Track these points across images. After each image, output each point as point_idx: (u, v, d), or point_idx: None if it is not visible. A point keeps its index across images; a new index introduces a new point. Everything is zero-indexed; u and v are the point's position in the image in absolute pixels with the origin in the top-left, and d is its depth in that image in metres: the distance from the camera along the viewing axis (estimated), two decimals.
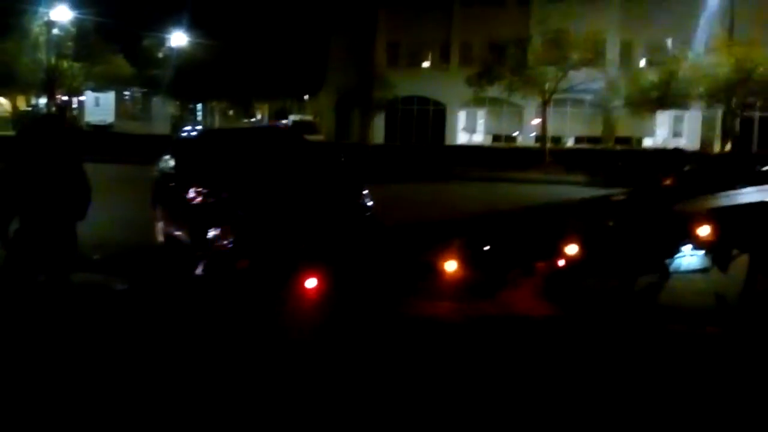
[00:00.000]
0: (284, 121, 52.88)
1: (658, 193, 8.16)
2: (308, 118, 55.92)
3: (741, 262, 7.79)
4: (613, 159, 27.16)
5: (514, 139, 43.00)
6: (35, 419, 4.38)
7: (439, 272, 7.98)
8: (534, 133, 40.51)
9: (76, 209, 5.46)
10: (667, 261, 8.21)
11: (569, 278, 8.09)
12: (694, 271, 8.28)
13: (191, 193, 8.68)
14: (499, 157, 32.80)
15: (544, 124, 35.19)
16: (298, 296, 7.26)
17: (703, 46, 34.26)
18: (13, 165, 5.43)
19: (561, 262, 8.04)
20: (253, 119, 71.17)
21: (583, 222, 8.67)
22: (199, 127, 12.08)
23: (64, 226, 5.43)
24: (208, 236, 8.34)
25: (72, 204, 5.43)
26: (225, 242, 8.30)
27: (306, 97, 72.32)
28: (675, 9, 37.21)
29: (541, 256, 8.09)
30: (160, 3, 47.06)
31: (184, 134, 11.05)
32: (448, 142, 42.85)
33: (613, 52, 38.82)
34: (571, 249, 8.09)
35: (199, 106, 58.79)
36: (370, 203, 9.44)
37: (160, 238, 9.75)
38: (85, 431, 4.33)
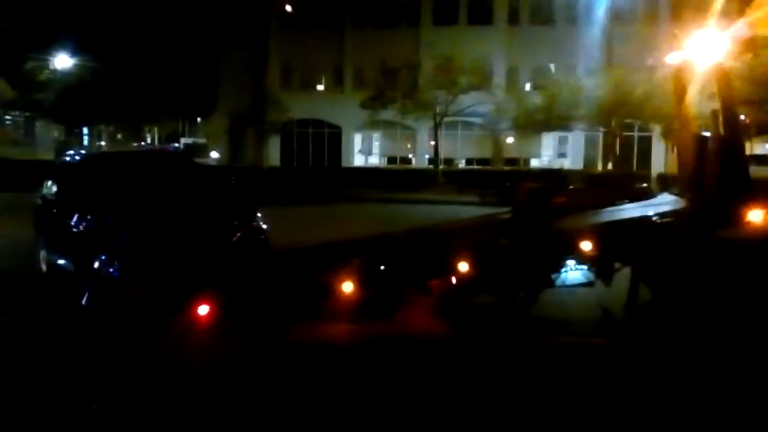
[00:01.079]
0: (175, 144, 51.76)
1: (543, 211, 8.46)
2: (201, 140, 54.95)
3: (624, 275, 8.17)
4: (503, 179, 27.96)
5: (408, 161, 43.65)
6: None
7: (335, 293, 7.97)
8: (427, 155, 41.27)
9: None
10: (553, 275, 8.52)
11: (461, 295, 8.26)
12: (579, 285, 8.61)
13: (75, 219, 8.34)
14: (394, 179, 33.24)
15: (436, 146, 35.97)
16: (190, 323, 7.08)
17: (584, 71, 35.97)
18: None
19: (453, 280, 8.20)
20: (142, 143, 69.27)
21: (474, 240, 8.87)
22: (83, 151, 11.65)
23: None
24: (93, 264, 8.00)
25: None
26: (111, 270, 7.98)
27: (198, 119, 71.05)
28: (558, 35, 38.95)
29: (435, 274, 8.23)
30: (42, 24, 45.27)
31: (68, 158, 10.61)
32: (344, 164, 43.01)
33: (500, 77, 40.10)
34: (463, 266, 8.28)
35: (86, 129, 56.70)
36: (263, 226, 9.32)
37: (44, 266, 9.31)
38: None
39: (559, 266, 8.56)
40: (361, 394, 5.44)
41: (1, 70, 43.63)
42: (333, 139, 44.45)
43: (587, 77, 34.62)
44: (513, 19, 41.59)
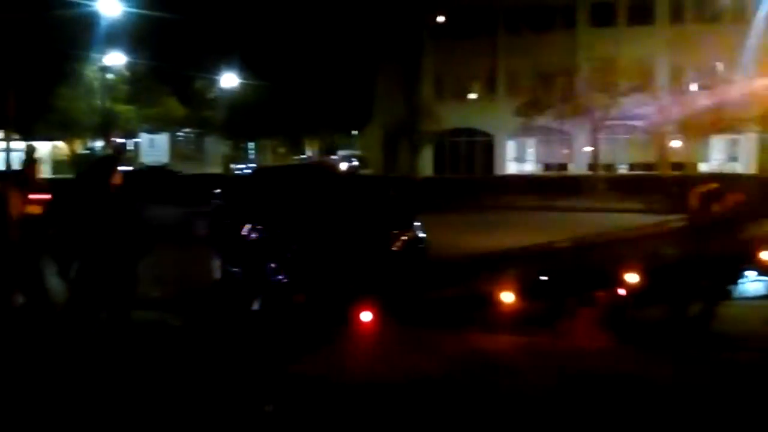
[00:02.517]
0: (333, 157, 53.42)
1: (719, 217, 7.95)
2: (356, 152, 56.42)
3: None
4: (669, 185, 26.63)
5: (565, 167, 42.61)
6: None
7: (494, 303, 7.89)
8: (585, 161, 40.11)
9: (135, 251, 5.55)
10: (730, 287, 8.00)
11: (629, 308, 7.92)
12: (759, 297, 8.04)
13: (246, 230, 8.78)
14: (551, 186, 32.46)
15: (595, 151, 34.77)
16: (355, 330, 7.25)
17: (755, 68, 33.62)
18: (75, 205, 5.57)
19: (621, 291, 7.88)
20: (302, 156, 72.07)
21: (643, 249, 8.49)
22: (252, 165, 12.19)
23: (124, 265, 5.53)
24: (263, 271, 8.39)
25: (130, 244, 5.53)
26: (280, 277, 8.34)
27: (353, 132, 73.06)
28: (724, 32, 36.66)
29: (601, 285, 7.94)
30: (209, 45, 48.26)
31: (238, 172, 11.22)
32: (497, 172, 42.64)
33: (663, 77, 38.29)
34: (631, 277, 7.93)
35: (251, 144, 59.76)
36: (421, 235, 9.40)
37: (217, 274, 9.86)
38: None
39: (737, 277, 8.04)
40: (524, 407, 5.33)
41: (173, 89, 46.80)
42: (486, 147, 44.20)
43: (759, 75, 32.33)
44: (676, 17, 39.64)
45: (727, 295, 7.95)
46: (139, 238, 5.55)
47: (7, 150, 32.69)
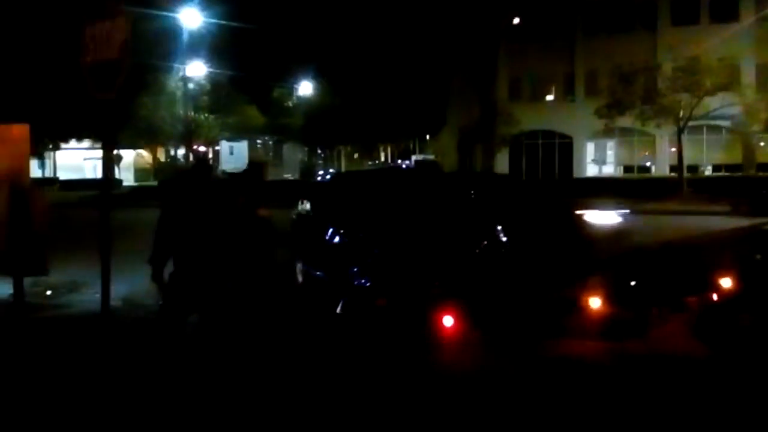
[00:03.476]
0: (407, 162, 53.47)
1: None
2: (431, 157, 56.33)
3: None
4: (757, 187, 25.58)
5: (647, 169, 41.49)
6: None
7: (583, 309, 7.70)
8: (669, 163, 38.98)
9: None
10: None
11: (723, 315, 7.60)
12: None
13: (328, 234, 8.84)
14: (632, 189, 31.60)
15: (679, 153, 33.68)
16: (437, 334, 7.20)
17: None
18: (166, 211, 5.69)
19: (714, 297, 7.58)
20: (376, 161, 72.44)
21: (736, 253, 8.15)
22: (332, 171, 12.22)
23: (217, 270, 5.62)
24: (345, 275, 8.43)
25: (227, 251, 5.61)
26: (362, 281, 8.35)
27: (428, 136, 73.02)
28: None
29: (693, 290, 7.66)
30: (287, 55, 49.12)
31: (319, 178, 11.32)
32: (576, 174, 41.87)
33: (749, 76, 36.88)
34: (725, 283, 7.63)
35: (326, 150, 60.47)
36: (504, 238, 9.26)
37: (300, 278, 9.96)
38: None
39: None
40: (611, 416, 5.16)
41: (251, 98, 47.76)
42: (564, 149, 43.49)
43: None
44: (761, 12, 38.13)
45: None
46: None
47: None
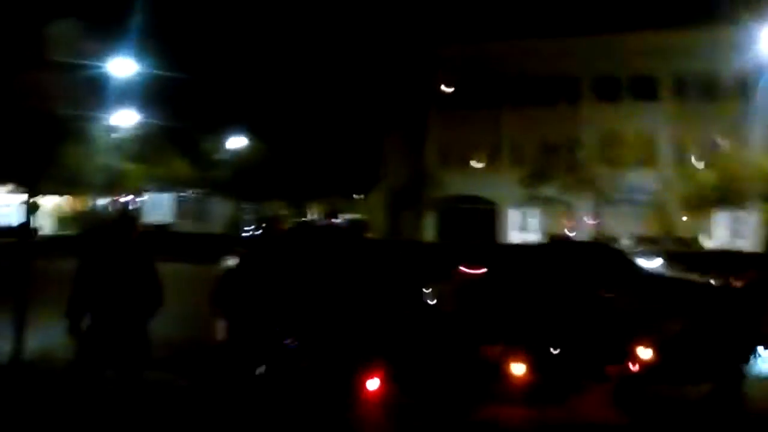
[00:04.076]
0: (336, 220, 53.58)
1: (737, 294, 7.87)
2: (359, 216, 56.59)
3: None
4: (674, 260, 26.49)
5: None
6: None
7: (505, 375, 7.75)
8: (589, 233, 40.11)
9: (148, 308, 5.49)
10: (746, 365, 7.84)
11: (641, 384, 7.77)
12: None
13: (254, 291, 8.68)
14: None
15: (600, 223, 34.81)
16: (361, 397, 7.11)
17: (759, 146, 33.94)
18: (86, 263, 5.52)
19: (633, 367, 7.75)
20: (305, 218, 72.26)
21: (656, 325, 8.38)
22: (262, 226, 12.05)
23: (134, 323, 5.45)
24: (270, 334, 8.27)
25: (143, 302, 5.47)
26: (288, 341, 8.21)
27: (355, 196, 73.42)
28: (728, 107, 37.17)
29: (613, 360, 7.82)
30: (218, 107, 48.99)
31: (246, 234, 11.19)
32: (500, 240, 42.63)
33: (666, 152, 38.63)
34: (644, 353, 7.81)
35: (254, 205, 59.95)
36: (429, 301, 9.32)
37: (223, 335, 9.72)
38: None
39: (749, 354, 7.88)
40: None
41: (181, 149, 47.24)
42: (489, 215, 44.31)
43: (764, 152, 32.60)
44: (679, 92, 40.28)
45: (740, 374, 7.79)
46: (150, 293, 5.49)
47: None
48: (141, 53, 35.44)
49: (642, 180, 34.15)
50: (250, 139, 50.46)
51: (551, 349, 7.88)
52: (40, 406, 5.71)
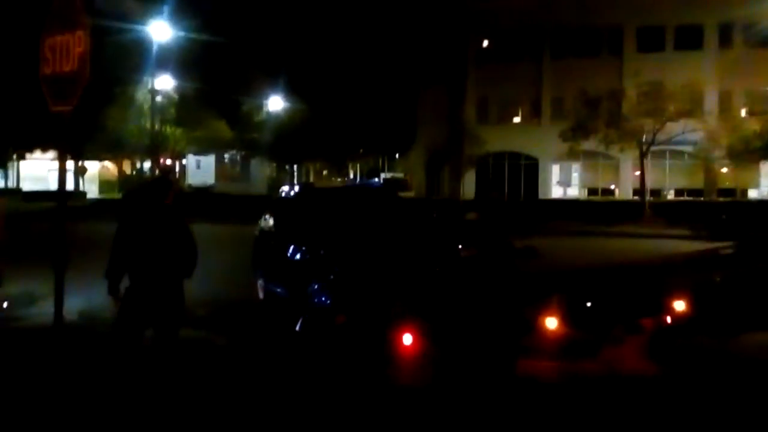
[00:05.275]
0: (376, 179, 53.63)
1: None
2: (399, 175, 56.59)
3: None
4: (717, 212, 26.10)
5: (611, 192, 42.09)
6: None
7: (538, 328, 7.79)
8: (632, 187, 39.60)
9: (184, 268, 5.64)
10: None
11: (676, 336, 7.75)
12: None
13: (290, 251, 8.85)
14: (596, 211, 32.02)
15: (642, 176, 34.27)
16: (396, 352, 7.22)
17: None
18: (125, 225, 5.67)
19: (668, 319, 7.72)
20: (346, 178, 72.48)
21: (692, 277, 8.31)
22: (297, 187, 12.02)
23: (172, 284, 5.60)
24: (306, 292, 8.43)
25: (179, 263, 5.61)
26: (323, 298, 8.37)
27: (396, 155, 73.32)
28: None
29: (647, 312, 7.79)
30: (257, 69, 49.10)
31: (283, 194, 11.31)
32: (541, 196, 42.31)
33: (711, 102, 37.72)
34: (679, 305, 7.78)
35: (295, 166, 60.35)
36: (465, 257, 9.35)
37: (261, 294, 9.94)
38: None
39: None
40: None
41: (220, 112, 47.57)
42: (530, 170, 43.95)
43: None
44: (725, 42, 39.15)
45: None
46: (186, 258, 5.62)
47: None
48: (181, 16, 35.65)
49: (686, 131, 33.38)
50: (290, 101, 50.57)
51: (585, 302, 7.87)
52: (82, 366, 5.93)
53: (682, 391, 6.31)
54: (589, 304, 7.86)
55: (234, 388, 6.16)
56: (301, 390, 6.10)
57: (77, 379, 5.92)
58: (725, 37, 39.26)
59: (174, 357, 5.63)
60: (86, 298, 9.18)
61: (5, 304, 9.87)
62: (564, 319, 7.69)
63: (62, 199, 6.64)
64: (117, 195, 46.81)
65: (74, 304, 8.93)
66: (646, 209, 32.26)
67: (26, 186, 50.49)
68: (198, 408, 5.59)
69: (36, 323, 8.66)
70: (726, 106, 38.20)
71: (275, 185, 44.47)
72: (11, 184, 54.81)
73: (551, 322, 7.69)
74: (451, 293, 8.58)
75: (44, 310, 9.05)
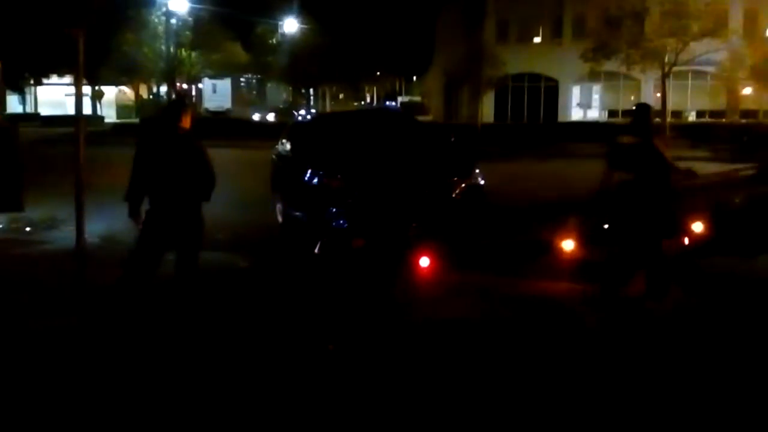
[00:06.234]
0: (393, 103, 53.12)
1: None
2: (417, 99, 55.96)
3: None
4: (739, 133, 25.71)
5: (631, 114, 41.42)
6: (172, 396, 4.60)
7: (556, 251, 7.84)
8: (653, 108, 38.96)
9: (202, 191, 5.67)
10: None
11: (695, 258, 7.75)
12: None
13: (307, 175, 8.86)
14: (617, 133, 31.54)
15: (663, 97, 33.68)
16: (413, 274, 7.31)
17: None
18: (142, 149, 5.69)
19: (686, 241, 7.71)
20: (362, 102, 71.86)
21: (711, 198, 8.27)
22: (313, 111, 11.96)
23: (191, 207, 5.65)
24: (324, 216, 8.49)
25: (197, 186, 5.63)
26: (340, 221, 8.43)
27: (414, 78, 72.36)
28: None
29: (666, 234, 7.78)
30: None
31: (300, 119, 11.27)
32: (561, 118, 41.79)
33: (735, 21, 36.64)
34: (697, 226, 7.76)
35: (311, 90, 59.86)
36: (482, 182, 9.34)
37: (280, 218, 10.01)
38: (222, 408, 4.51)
39: None
40: (583, 352, 5.32)
41: (235, 35, 46.95)
42: (549, 92, 43.29)
43: None
44: None
45: None
46: (204, 181, 5.64)
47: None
48: None
49: (709, 52, 32.55)
50: (305, 23, 49.73)
51: (602, 224, 7.86)
52: (103, 290, 6.03)
53: (700, 314, 6.35)
54: (606, 226, 7.82)
55: (256, 311, 6.27)
56: (320, 312, 6.20)
57: (99, 304, 6.03)
58: None
59: (196, 278, 5.71)
60: (107, 221, 9.30)
61: (28, 229, 10.04)
62: (581, 241, 7.73)
63: (80, 123, 6.65)
64: (135, 120, 46.80)
65: (97, 227, 9.06)
66: (666, 131, 31.83)
67: (44, 111, 50.59)
68: (220, 329, 5.71)
69: (57, 246, 8.80)
70: (751, 26, 37.13)
71: (291, 109, 44.18)
72: (29, 109, 54.91)
73: (568, 244, 7.72)
74: (467, 217, 8.61)
75: (66, 233, 9.20)
